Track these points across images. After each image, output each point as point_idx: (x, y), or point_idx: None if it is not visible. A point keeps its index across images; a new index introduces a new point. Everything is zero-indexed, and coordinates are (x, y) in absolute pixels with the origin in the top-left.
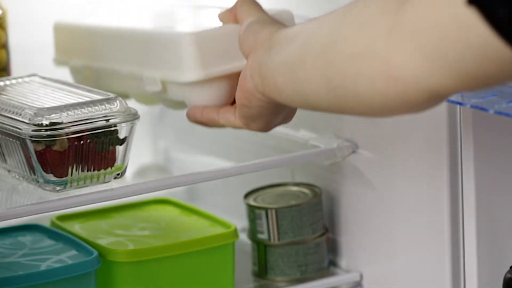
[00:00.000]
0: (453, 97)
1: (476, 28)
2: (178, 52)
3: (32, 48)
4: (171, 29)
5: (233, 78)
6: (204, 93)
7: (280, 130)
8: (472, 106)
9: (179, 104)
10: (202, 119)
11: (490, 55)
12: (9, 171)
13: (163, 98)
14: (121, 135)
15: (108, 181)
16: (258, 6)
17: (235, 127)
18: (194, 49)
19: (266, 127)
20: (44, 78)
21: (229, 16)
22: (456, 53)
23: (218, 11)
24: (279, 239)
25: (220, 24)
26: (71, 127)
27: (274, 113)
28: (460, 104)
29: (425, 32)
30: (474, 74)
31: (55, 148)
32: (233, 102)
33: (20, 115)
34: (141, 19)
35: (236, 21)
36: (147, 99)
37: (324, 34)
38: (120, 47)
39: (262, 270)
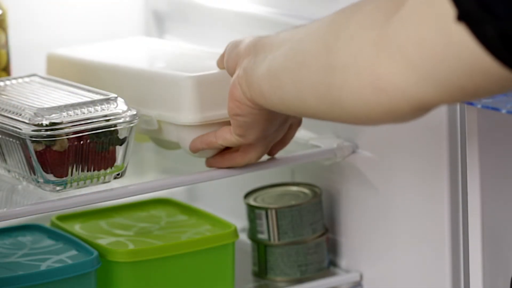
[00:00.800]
0: None
1: (465, 44)
2: (178, 94)
3: (32, 48)
4: (165, 69)
5: (228, 125)
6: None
7: None
8: (483, 106)
9: (171, 144)
10: (202, 145)
11: (479, 70)
12: (9, 171)
13: (156, 137)
14: (121, 135)
15: (108, 181)
16: None
17: (233, 145)
18: (193, 92)
19: (262, 135)
20: (44, 78)
21: (223, 60)
22: (445, 67)
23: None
24: (279, 239)
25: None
26: (71, 127)
27: (268, 119)
28: (471, 104)
29: (413, 46)
30: (462, 87)
31: (55, 148)
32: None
33: (20, 115)
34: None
35: None
36: (137, 136)
37: (310, 43)
38: (116, 83)
39: (262, 270)
